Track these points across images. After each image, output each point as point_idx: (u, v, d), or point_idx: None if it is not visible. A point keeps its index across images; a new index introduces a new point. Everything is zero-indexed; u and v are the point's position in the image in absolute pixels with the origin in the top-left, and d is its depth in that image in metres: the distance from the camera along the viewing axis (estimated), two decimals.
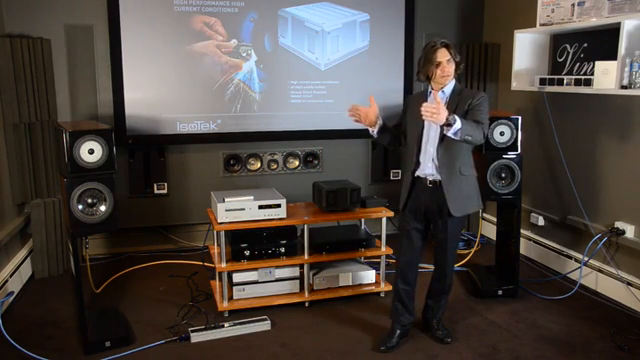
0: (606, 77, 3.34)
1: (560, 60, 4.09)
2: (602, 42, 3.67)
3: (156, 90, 4.34)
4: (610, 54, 3.40)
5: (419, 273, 3.20)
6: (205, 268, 4.12)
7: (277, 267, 3.58)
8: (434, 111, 2.58)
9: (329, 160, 4.88)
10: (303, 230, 3.57)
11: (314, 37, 4.62)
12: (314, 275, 3.69)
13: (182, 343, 3.11)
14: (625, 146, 3.59)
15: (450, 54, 2.83)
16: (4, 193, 3.77)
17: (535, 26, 3.95)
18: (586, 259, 3.84)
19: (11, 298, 3.58)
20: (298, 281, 3.65)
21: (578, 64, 3.93)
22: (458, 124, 2.62)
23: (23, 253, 3.95)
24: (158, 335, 3.19)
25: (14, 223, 3.83)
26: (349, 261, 3.86)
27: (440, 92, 2.89)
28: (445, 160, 2.88)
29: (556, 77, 3.86)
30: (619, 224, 3.62)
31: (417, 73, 2.95)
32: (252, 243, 3.53)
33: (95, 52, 4.24)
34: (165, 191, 4.56)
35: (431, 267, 3.30)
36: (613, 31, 3.33)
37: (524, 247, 4.40)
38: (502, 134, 3.59)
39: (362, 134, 4.84)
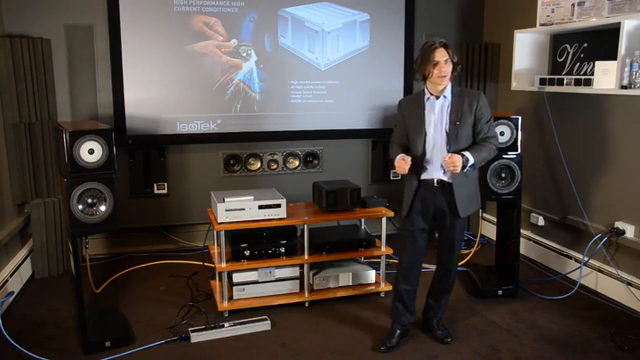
0: (606, 77, 3.35)
1: (560, 60, 4.09)
2: (602, 42, 3.68)
3: (156, 90, 4.34)
4: (610, 54, 3.40)
5: (420, 273, 3.20)
6: (205, 268, 4.12)
7: (277, 267, 3.58)
8: (456, 164, 2.76)
9: (329, 160, 4.88)
10: (303, 230, 3.57)
11: (314, 37, 4.62)
12: (314, 275, 3.69)
13: (182, 343, 3.11)
14: (625, 146, 3.59)
15: (448, 54, 2.82)
16: (4, 193, 3.77)
17: (535, 26, 3.95)
18: (586, 259, 3.84)
19: (11, 298, 3.58)
20: (298, 281, 3.65)
21: (578, 64, 3.93)
22: (471, 160, 2.82)
23: (23, 253, 3.95)
24: (158, 335, 3.19)
25: (14, 223, 3.83)
26: (349, 261, 3.86)
27: (442, 97, 2.90)
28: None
29: (556, 77, 3.86)
30: (619, 224, 3.62)
31: (414, 73, 2.95)
32: (252, 243, 3.53)
33: (95, 52, 4.24)
34: (165, 191, 4.56)
35: (432, 267, 3.30)
36: (613, 31, 3.33)
37: (524, 247, 4.40)
38: (502, 134, 3.59)
39: (362, 134, 4.88)
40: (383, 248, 3.75)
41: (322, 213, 3.69)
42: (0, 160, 3.76)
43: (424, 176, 2.95)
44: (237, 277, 3.52)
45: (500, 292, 3.74)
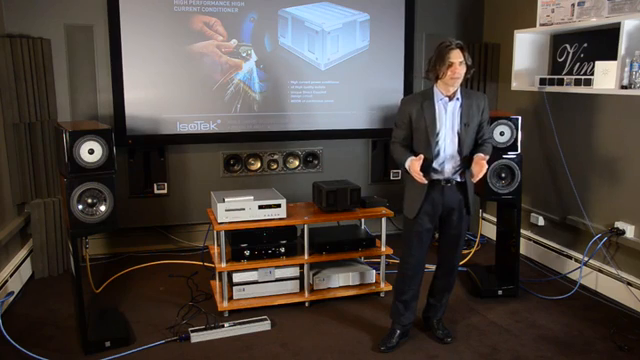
0: (606, 77, 3.35)
1: (560, 60, 4.09)
2: (602, 42, 3.68)
3: (156, 90, 4.34)
4: (610, 54, 3.40)
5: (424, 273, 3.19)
6: (205, 268, 4.12)
7: (277, 267, 3.58)
8: (484, 169, 2.82)
9: (329, 160, 4.88)
10: (303, 230, 3.57)
11: (314, 37, 4.62)
12: (314, 275, 3.69)
13: (182, 343, 3.11)
14: (625, 146, 3.59)
15: (464, 56, 2.81)
16: (4, 193, 3.77)
17: (535, 26, 3.95)
18: (586, 259, 3.84)
19: (11, 298, 3.58)
20: (298, 281, 3.65)
21: (578, 64, 3.93)
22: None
23: (23, 253, 3.95)
24: (158, 335, 3.19)
25: (14, 223, 3.83)
26: (349, 261, 3.86)
27: (455, 99, 2.89)
28: (464, 163, 2.92)
29: (556, 77, 3.86)
30: (619, 224, 3.62)
31: (426, 71, 2.92)
32: (252, 243, 3.53)
33: (95, 52, 4.24)
34: (165, 191, 4.56)
35: (427, 266, 3.29)
36: (613, 31, 3.33)
37: (524, 247, 4.40)
38: (502, 134, 3.59)
39: (362, 134, 4.88)
40: (383, 248, 3.75)
41: (322, 213, 3.69)
42: (0, 160, 3.76)
43: (434, 177, 2.93)
44: (237, 277, 3.52)
45: (500, 292, 3.74)
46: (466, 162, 2.93)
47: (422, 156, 2.83)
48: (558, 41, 4.10)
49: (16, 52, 3.80)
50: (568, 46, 4.01)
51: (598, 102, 3.75)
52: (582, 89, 3.60)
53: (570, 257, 4.06)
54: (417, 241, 3.01)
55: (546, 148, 4.27)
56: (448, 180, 2.94)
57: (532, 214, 4.43)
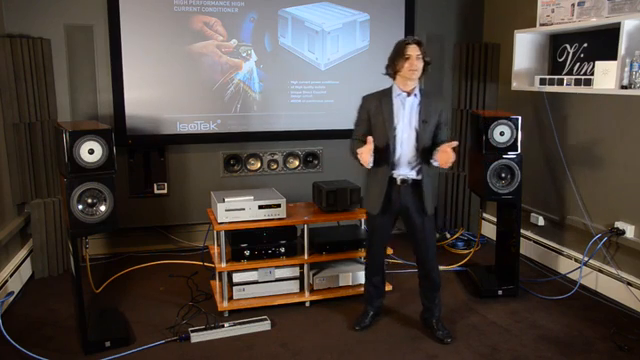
0: (606, 77, 3.35)
1: (560, 60, 4.09)
2: (602, 42, 3.68)
3: (156, 90, 4.34)
4: (610, 54, 3.40)
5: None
6: (205, 268, 4.12)
7: (277, 267, 3.58)
8: (451, 159, 2.83)
9: (329, 160, 4.88)
10: (303, 230, 3.57)
11: (314, 37, 4.62)
12: (314, 275, 3.69)
13: (182, 343, 3.11)
14: (625, 146, 3.59)
15: (421, 51, 2.91)
16: (4, 193, 3.77)
17: (535, 26, 3.95)
18: (586, 259, 3.83)
19: (11, 298, 3.58)
20: (298, 281, 3.65)
21: (578, 64, 3.93)
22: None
23: (23, 253, 3.95)
24: (158, 335, 3.19)
25: (14, 223, 3.83)
26: (349, 261, 3.86)
27: (413, 95, 2.98)
28: (421, 161, 2.99)
29: (556, 77, 3.86)
30: (619, 224, 3.62)
31: (386, 67, 3.00)
32: (252, 243, 3.53)
33: (95, 52, 4.24)
34: (165, 191, 4.56)
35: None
36: (613, 31, 3.33)
37: (524, 247, 4.39)
38: (502, 134, 3.59)
39: None
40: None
41: (322, 213, 3.69)
42: (0, 160, 3.76)
43: (393, 173, 3.03)
44: (237, 277, 3.52)
45: (500, 292, 3.74)
46: (425, 157, 2.98)
47: (371, 139, 2.87)
48: (558, 41, 4.10)
49: (16, 52, 3.80)
50: (568, 46, 4.01)
51: (598, 102, 3.75)
52: (582, 89, 3.60)
53: (570, 257, 4.06)
54: (378, 234, 3.20)
55: (546, 148, 4.27)
56: (404, 180, 3.01)
57: (532, 214, 4.43)
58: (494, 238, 4.18)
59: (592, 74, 3.56)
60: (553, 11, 3.79)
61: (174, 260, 4.40)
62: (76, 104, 4.25)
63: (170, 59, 4.33)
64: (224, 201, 3.44)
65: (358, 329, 3.27)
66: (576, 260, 3.98)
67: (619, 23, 3.22)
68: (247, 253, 3.51)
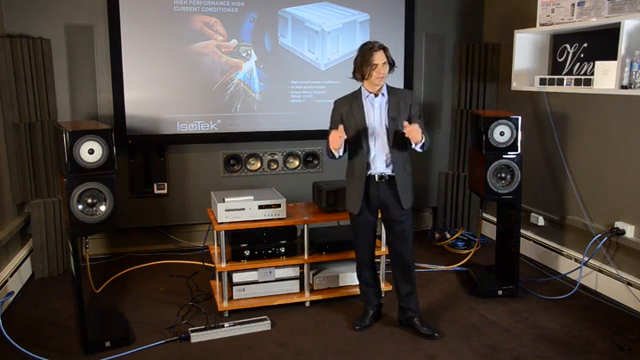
0: (606, 77, 3.34)
1: (560, 60, 4.09)
2: (602, 42, 3.67)
3: (156, 90, 4.34)
4: (610, 54, 3.40)
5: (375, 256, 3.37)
6: (205, 268, 4.12)
7: (277, 267, 3.58)
8: (419, 133, 2.90)
9: (329, 160, 4.84)
10: (303, 230, 3.57)
11: (314, 37, 4.62)
12: (314, 275, 3.69)
13: (182, 343, 3.11)
14: (625, 146, 3.59)
15: (386, 57, 2.98)
16: (4, 193, 3.77)
17: (535, 26, 3.95)
18: (586, 259, 3.83)
19: (11, 298, 3.58)
20: (298, 281, 3.65)
21: (578, 64, 3.93)
22: (424, 139, 2.97)
23: (23, 253, 3.95)
24: (158, 335, 3.19)
25: (14, 223, 3.83)
26: (349, 261, 3.85)
27: (380, 95, 3.06)
28: (395, 158, 3.06)
29: (556, 77, 3.86)
30: (619, 224, 3.62)
31: (353, 72, 3.07)
32: (252, 243, 3.53)
33: (95, 52, 4.24)
34: (165, 191, 4.56)
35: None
36: (613, 31, 3.33)
37: (524, 247, 4.39)
38: (502, 134, 3.59)
39: None
40: (383, 248, 3.74)
41: (322, 213, 3.69)
42: (0, 160, 3.76)
43: (371, 172, 3.09)
44: (237, 277, 3.52)
45: (500, 292, 3.74)
46: (404, 147, 3.06)
47: (342, 128, 2.96)
48: (558, 41, 4.10)
49: (16, 52, 3.80)
50: (568, 46, 4.01)
51: (598, 102, 3.75)
52: (582, 89, 3.60)
53: (570, 257, 4.06)
54: (364, 235, 3.24)
55: (546, 148, 4.27)
56: (382, 176, 3.08)
57: (532, 214, 4.43)
58: (494, 238, 4.18)
59: (592, 74, 3.56)
60: (553, 11, 3.79)
61: (174, 260, 4.40)
62: (76, 104, 4.25)
63: (170, 59, 4.33)
64: (224, 201, 3.44)
65: (358, 329, 3.28)
66: (576, 260, 3.98)
67: (619, 23, 3.22)
68: (247, 253, 3.51)
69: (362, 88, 3.10)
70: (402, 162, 3.09)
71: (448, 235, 4.88)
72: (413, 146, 3.01)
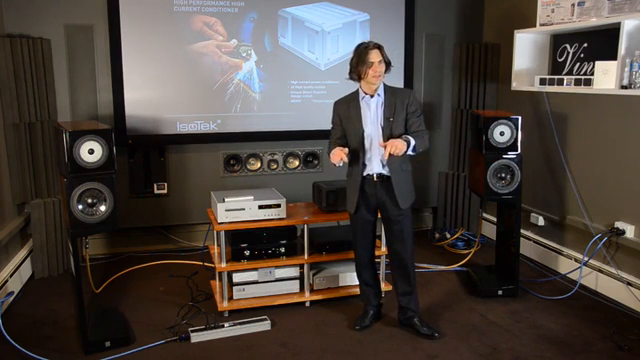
0: (606, 77, 3.34)
1: (560, 60, 4.09)
2: (602, 42, 3.67)
3: (156, 90, 4.34)
4: (610, 54, 3.40)
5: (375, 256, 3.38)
6: (205, 268, 4.12)
7: (277, 267, 3.58)
8: (400, 147, 2.86)
9: (329, 160, 4.86)
10: (303, 230, 3.57)
11: (314, 37, 4.62)
12: (314, 275, 3.69)
13: (182, 343, 3.11)
14: (625, 146, 3.59)
15: (382, 55, 2.98)
16: (4, 193, 3.77)
17: (535, 26, 3.95)
18: (586, 259, 3.83)
19: (11, 298, 3.58)
20: (298, 281, 3.65)
21: (578, 64, 3.93)
22: (412, 143, 2.95)
23: (23, 253, 3.95)
24: (158, 335, 3.19)
25: (14, 223, 3.83)
26: (349, 261, 3.85)
27: (376, 95, 3.06)
28: (391, 158, 3.03)
29: (556, 77, 3.86)
30: (619, 224, 3.62)
31: (349, 73, 3.07)
32: (252, 243, 3.53)
33: (95, 52, 4.24)
34: (165, 191, 4.56)
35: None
36: (613, 31, 3.33)
37: (524, 247, 4.39)
38: (502, 134, 3.59)
39: None
40: (383, 248, 3.74)
41: (322, 213, 3.69)
42: (0, 160, 3.76)
43: (367, 172, 3.11)
44: (237, 277, 3.52)
45: (500, 292, 3.74)
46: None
47: (347, 149, 3.01)
48: (558, 41, 4.10)
49: (16, 52, 3.80)
50: (568, 46, 4.01)
51: (598, 102, 3.75)
52: (582, 89, 3.60)
53: (570, 257, 4.06)
54: (361, 232, 3.24)
55: (546, 148, 4.27)
56: (379, 175, 3.09)
57: (532, 214, 4.43)
58: (494, 238, 4.18)
59: (592, 74, 3.56)
60: (553, 11, 3.79)
61: (174, 260, 4.40)
62: (76, 104, 4.25)
63: (170, 59, 4.34)
64: (224, 201, 3.44)
65: (358, 329, 3.28)
66: (576, 260, 3.98)
67: (619, 23, 3.22)
68: (247, 253, 3.51)
69: (359, 89, 3.11)
70: (399, 162, 3.07)
71: (448, 235, 4.89)
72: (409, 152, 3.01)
